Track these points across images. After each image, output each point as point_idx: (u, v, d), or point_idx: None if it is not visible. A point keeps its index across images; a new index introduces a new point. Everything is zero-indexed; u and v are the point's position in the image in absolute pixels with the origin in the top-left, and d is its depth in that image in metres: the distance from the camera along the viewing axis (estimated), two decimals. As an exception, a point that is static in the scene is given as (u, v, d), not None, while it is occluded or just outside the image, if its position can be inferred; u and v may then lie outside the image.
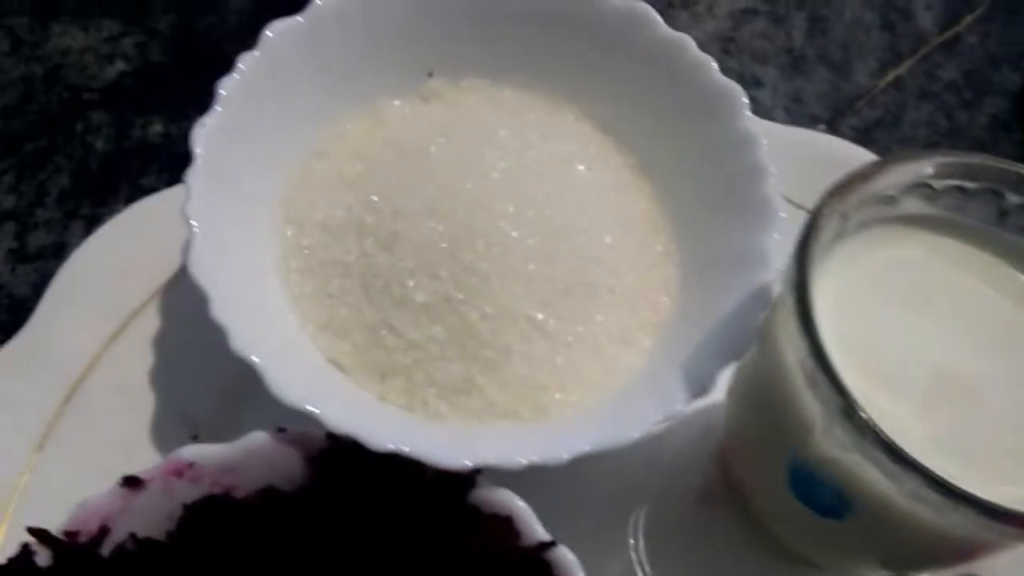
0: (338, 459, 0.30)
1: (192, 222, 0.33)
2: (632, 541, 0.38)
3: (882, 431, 0.24)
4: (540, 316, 0.35)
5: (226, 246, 0.35)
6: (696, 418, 0.41)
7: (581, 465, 0.39)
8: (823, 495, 0.29)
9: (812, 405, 0.27)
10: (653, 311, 0.38)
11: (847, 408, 0.25)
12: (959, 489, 0.23)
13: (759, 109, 0.43)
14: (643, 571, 0.37)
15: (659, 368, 0.35)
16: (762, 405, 0.32)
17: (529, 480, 0.30)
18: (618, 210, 0.39)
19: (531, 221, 0.36)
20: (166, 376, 0.40)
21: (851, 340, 0.28)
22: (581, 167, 0.39)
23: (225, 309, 0.31)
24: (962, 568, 0.30)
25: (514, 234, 0.36)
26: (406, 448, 0.29)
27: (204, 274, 0.32)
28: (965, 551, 0.28)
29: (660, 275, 0.39)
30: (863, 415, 0.25)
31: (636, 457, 0.40)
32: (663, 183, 0.40)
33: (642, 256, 0.39)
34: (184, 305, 0.40)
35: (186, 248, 0.33)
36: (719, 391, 0.34)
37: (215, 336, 0.31)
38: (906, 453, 0.24)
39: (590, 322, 0.36)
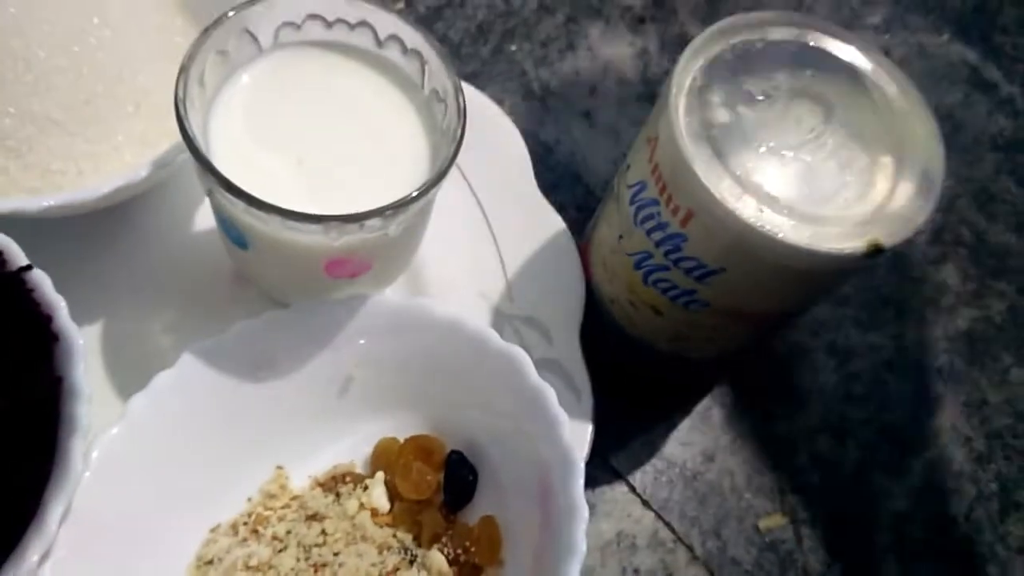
0: None
1: None
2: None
3: (224, 176, 0.37)
4: (61, 117, 0.45)
5: None
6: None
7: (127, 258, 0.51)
8: (235, 232, 0.41)
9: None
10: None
11: (206, 170, 0.37)
12: (266, 202, 0.36)
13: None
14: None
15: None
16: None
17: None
18: (152, 45, 0.49)
19: (60, 45, 0.46)
20: None
21: (259, 128, 0.41)
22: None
23: None
24: (340, 291, 0.44)
25: (42, 54, 0.45)
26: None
27: None
28: (334, 265, 0.42)
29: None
30: (218, 176, 0.37)
31: (181, 247, 0.52)
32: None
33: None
34: None
35: None
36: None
37: None
38: (237, 185, 0.37)
39: (109, 125, 0.46)
